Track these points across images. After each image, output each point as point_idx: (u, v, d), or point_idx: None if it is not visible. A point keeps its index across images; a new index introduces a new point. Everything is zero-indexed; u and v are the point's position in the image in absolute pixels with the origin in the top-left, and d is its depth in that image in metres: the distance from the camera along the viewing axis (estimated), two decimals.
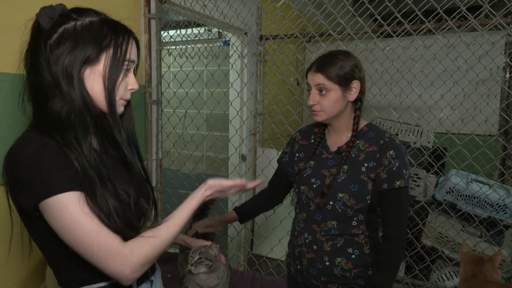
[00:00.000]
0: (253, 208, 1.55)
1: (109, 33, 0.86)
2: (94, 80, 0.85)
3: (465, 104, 2.33)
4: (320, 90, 1.21)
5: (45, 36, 0.84)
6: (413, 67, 2.32)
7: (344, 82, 1.20)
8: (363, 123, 1.29)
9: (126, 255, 0.81)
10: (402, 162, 1.19)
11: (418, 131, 2.76)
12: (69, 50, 0.83)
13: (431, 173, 2.58)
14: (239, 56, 2.64)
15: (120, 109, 0.92)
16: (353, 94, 1.23)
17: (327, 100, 1.21)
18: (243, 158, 2.76)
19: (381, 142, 1.22)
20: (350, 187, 1.21)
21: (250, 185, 1.09)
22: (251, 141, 2.78)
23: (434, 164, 2.24)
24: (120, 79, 0.87)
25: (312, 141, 1.37)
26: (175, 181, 2.61)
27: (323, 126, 1.36)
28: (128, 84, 0.91)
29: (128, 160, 0.96)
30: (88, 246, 0.79)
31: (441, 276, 2.39)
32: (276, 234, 2.30)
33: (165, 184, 2.36)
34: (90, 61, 0.84)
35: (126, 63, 0.88)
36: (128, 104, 0.95)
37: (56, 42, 0.83)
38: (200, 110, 2.84)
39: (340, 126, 1.28)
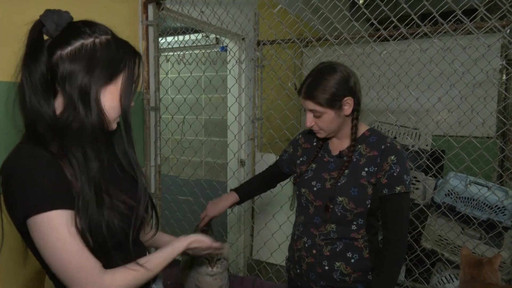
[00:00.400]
0: (251, 189, 1.62)
1: (125, 55, 0.88)
2: (108, 99, 0.86)
3: (462, 106, 2.34)
4: (314, 114, 1.23)
5: (52, 42, 0.83)
6: (410, 70, 2.34)
7: (334, 103, 1.20)
8: (364, 128, 1.30)
9: (107, 283, 0.81)
10: (403, 168, 1.19)
11: (416, 134, 2.77)
12: (88, 70, 0.82)
13: (430, 176, 2.59)
14: (236, 62, 2.65)
15: (115, 125, 0.93)
16: (347, 109, 1.22)
17: (322, 122, 1.23)
18: (241, 163, 2.76)
19: (382, 147, 1.22)
20: (350, 191, 1.21)
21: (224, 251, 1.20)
22: (250, 146, 2.78)
23: (432, 167, 2.24)
24: (132, 98, 0.91)
25: (315, 144, 1.38)
26: (174, 187, 2.60)
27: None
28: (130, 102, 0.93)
29: (126, 170, 0.99)
30: (69, 268, 0.78)
31: (441, 279, 2.38)
32: (276, 239, 2.29)
33: (164, 190, 2.35)
34: (107, 82, 0.85)
35: (135, 84, 0.91)
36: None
37: (72, 57, 0.82)
38: (198, 116, 2.84)
39: (341, 135, 1.30)
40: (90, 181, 0.83)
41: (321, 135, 1.28)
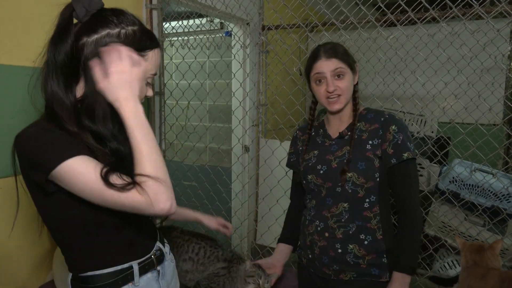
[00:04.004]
0: (293, 229, 1.48)
1: (147, 45, 0.90)
2: None
3: (469, 93, 2.31)
4: (337, 75, 1.23)
5: (80, 27, 0.86)
6: (417, 56, 2.30)
7: (352, 65, 1.26)
8: (361, 108, 1.32)
9: (155, 182, 0.79)
10: (405, 135, 1.22)
11: (421, 121, 2.75)
12: None
13: (434, 163, 2.58)
14: (241, 47, 2.63)
15: None
16: (356, 76, 1.29)
17: (344, 82, 1.23)
18: (246, 149, 2.76)
19: (382, 119, 1.25)
20: (358, 165, 1.22)
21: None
22: (254, 132, 2.78)
23: (437, 153, 2.23)
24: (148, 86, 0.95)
25: (313, 134, 1.38)
26: (179, 173, 2.62)
27: (313, 110, 1.39)
28: (147, 91, 0.96)
29: None
30: (116, 200, 0.78)
31: (444, 265, 2.40)
32: (280, 224, 2.30)
33: (169, 175, 2.36)
34: None
35: (153, 75, 0.95)
36: None
37: (96, 43, 0.85)
38: (203, 101, 2.83)
39: (345, 113, 1.30)
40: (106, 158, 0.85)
41: (341, 103, 1.24)
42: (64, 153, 0.78)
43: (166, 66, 2.28)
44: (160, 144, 2.18)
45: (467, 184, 2.27)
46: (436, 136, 2.72)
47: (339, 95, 1.24)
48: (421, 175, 2.60)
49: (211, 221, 1.44)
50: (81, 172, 0.78)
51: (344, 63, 1.24)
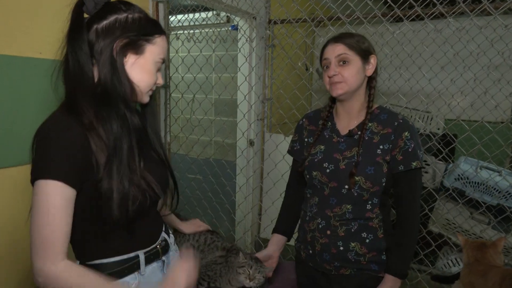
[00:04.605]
0: (289, 220, 1.48)
1: (154, 30, 0.95)
2: (138, 72, 0.93)
3: (477, 89, 2.29)
4: (341, 61, 1.21)
5: (90, 19, 0.90)
6: (424, 51, 2.28)
7: (364, 54, 1.22)
8: (374, 106, 1.28)
9: (53, 271, 0.82)
10: (417, 143, 1.20)
11: (427, 117, 2.73)
12: (119, 42, 0.89)
13: (439, 160, 2.56)
14: (247, 41, 2.62)
15: (147, 99, 0.99)
16: (371, 68, 1.24)
17: (349, 70, 1.20)
18: (250, 143, 2.77)
19: (395, 124, 1.22)
20: (366, 169, 1.20)
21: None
22: (259, 126, 2.78)
23: (443, 150, 2.21)
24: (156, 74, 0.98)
25: (320, 125, 1.36)
26: (183, 165, 2.64)
27: (330, 108, 1.35)
28: (157, 78, 0.99)
29: (153, 148, 1.04)
30: (38, 234, 0.82)
31: (447, 263, 2.39)
32: (276, 208, 2.29)
33: (173, 168, 2.38)
34: (136, 51, 0.92)
35: (162, 60, 0.98)
36: (151, 96, 1.03)
37: (106, 30, 0.89)
38: (208, 95, 2.84)
39: (352, 106, 1.27)
40: (116, 147, 0.88)
41: (341, 89, 1.21)
42: (49, 171, 0.82)
43: (172, 59, 2.28)
44: (165, 137, 2.20)
45: (472, 182, 2.26)
46: (442, 133, 2.70)
47: (340, 82, 1.21)
48: (426, 172, 2.59)
49: (189, 227, 1.49)
50: (44, 197, 0.82)
51: (352, 50, 1.20)
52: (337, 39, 1.24)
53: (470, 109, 2.38)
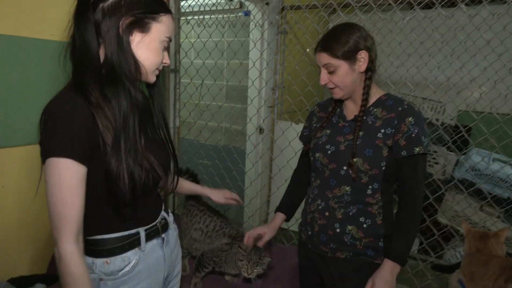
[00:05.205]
0: (293, 201, 1.52)
1: (160, 9, 0.94)
2: (144, 50, 0.93)
3: (492, 80, 2.23)
4: (328, 69, 1.22)
5: None
6: (437, 40, 2.23)
7: (349, 56, 1.20)
8: (380, 93, 1.28)
9: (64, 248, 0.85)
10: (421, 129, 1.18)
11: (440, 107, 2.68)
12: (125, 20, 0.89)
13: (451, 151, 2.52)
14: (255, 25, 2.60)
15: (153, 78, 1.00)
16: (362, 64, 1.22)
17: (336, 77, 1.22)
18: (260, 130, 2.77)
19: (400, 109, 1.21)
20: (365, 151, 1.20)
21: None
22: (269, 113, 2.78)
23: (455, 142, 2.17)
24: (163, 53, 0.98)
25: (330, 111, 1.37)
26: (191, 150, 2.66)
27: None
28: (164, 58, 0.99)
29: (157, 129, 1.05)
30: (54, 211, 0.85)
31: (455, 255, 2.37)
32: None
33: (181, 152, 2.41)
34: (142, 30, 0.92)
35: (168, 38, 0.97)
36: (158, 76, 1.03)
37: (112, 8, 0.89)
38: (218, 81, 2.84)
39: (355, 97, 1.28)
40: (123, 126, 0.90)
41: (338, 94, 1.26)
42: (59, 149, 0.84)
43: (182, 43, 2.28)
44: (174, 121, 2.22)
45: (483, 174, 2.22)
46: (455, 124, 2.65)
47: (334, 87, 1.24)
48: (436, 163, 2.55)
49: (218, 196, 1.48)
50: (57, 175, 0.84)
51: (334, 57, 1.20)
52: (320, 47, 1.23)
53: (484, 100, 2.31)
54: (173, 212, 2.35)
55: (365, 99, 1.24)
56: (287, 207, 1.50)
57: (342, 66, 1.20)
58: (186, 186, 1.42)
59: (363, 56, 1.21)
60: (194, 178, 1.78)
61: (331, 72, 1.22)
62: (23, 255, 1.75)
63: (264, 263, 1.46)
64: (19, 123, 1.60)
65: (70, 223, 0.85)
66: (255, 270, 1.44)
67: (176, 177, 1.15)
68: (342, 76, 1.21)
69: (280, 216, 1.48)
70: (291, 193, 1.53)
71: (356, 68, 1.21)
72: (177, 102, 2.23)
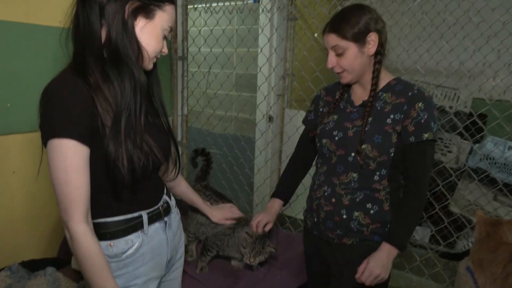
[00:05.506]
0: (290, 186, 1.51)
1: None
2: (146, 36, 0.94)
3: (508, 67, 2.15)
4: (336, 51, 1.18)
5: None
6: (454, 25, 2.16)
7: (359, 37, 1.16)
8: (390, 77, 1.25)
9: (75, 228, 0.86)
10: (431, 115, 1.15)
11: (454, 95, 2.61)
12: (130, 4, 0.90)
13: (465, 139, 2.46)
14: (263, 11, 2.55)
15: (151, 65, 1.00)
16: (371, 47, 1.18)
17: (345, 59, 1.18)
18: (269, 119, 2.75)
19: (409, 94, 1.18)
20: (374, 138, 1.18)
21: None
22: (278, 102, 2.75)
23: (469, 130, 2.11)
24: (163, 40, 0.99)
25: (337, 97, 1.34)
26: (199, 137, 2.66)
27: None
28: (163, 46, 1.00)
29: (158, 115, 1.06)
30: (61, 193, 0.86)
31: (468, 244, 2.32)
32: (297, 194, 2.29)
33: (190, 140, 2.41)
34: (146, 16, 0.93)
35: (169, 28, 0.99)
36: (155, 64, 1.04)
37: None
38: (227, 69, 2.81)
39: (364, 81, 1.24)
40: (125, 108, 0.90)
41: (346, 78, 1.22)
42: (62, 130, 0.84)
43: (190, 30, 2.26)
44: (181, 109, 2.22)
45: (498, 163, 2.16)
46: (470, 112, 2.58)
47: (342, 71, 1.20)
48: (449, 152, 2.50)
49: (218, 217, 1.52)
50: (61, 156, 0.85)
51: (343, 38, 1.15)
52: (329, 28, 1.19)
53: (500, 86, 2.23)
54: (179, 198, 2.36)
55: (375, 84, 1.20)
56: (284, 192, 1.49)
57: (351, 48, 1.16)
58: (190, 195, 1.42)
59: (372, 39, 1.16)
60: (207, 160, 1.78)
61: (339, 55, 1.18)
62: (34, 239, 1.79)
63: (267, 252, 1.47)
64: (28, 109, 1.62)
65: (78, 204, 0.86)
66: (257, 258, 1.44)
67: (178, 164, 1.16)
68: (350, 58, 1.17)
69: (278, 202, 1.47)
70: (288, 178, 1.51)
71: (365, 51, 1.17)
72: (185, 89, 2.22)
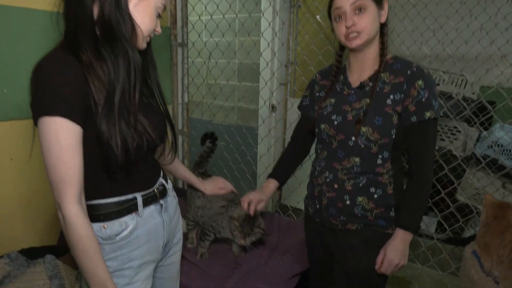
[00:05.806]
0: (287, 170, 1.49)
1: None
2: (140, 14, 0.92)
3: None
4: (357, 9, 1.12)
5: None
6: (461, 8, 2.10)
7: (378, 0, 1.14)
8: (387, 56, 1.20)
9: (68, 210, 0.85)
10: (431, 93, 1.11)
11: (462, 81, 2.54)
12: None
13: (471, 126, 2.40)
14: (269, 2, 2.52)
15: (144, 44, 0.98)
16: (384, 15, 1.16)
17: (365, 18, 1.12)
18: (272, 108, 2.71)
19: (408, 72, 1.13)
20: (374, 120, 1.14)
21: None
22: (282, 91, 2.71)
23: (476, 117, 2.05)
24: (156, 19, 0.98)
25: (332, 78, 1.29)
26: (200, 125, 2.64)
27: (338, 57, 1.28)
28: (157, 25, 0.98)
29: (153, 96, 1.05)
30: (55, 173, 0.84)
31: (475, 233, 2.27)
32: (297, 178, 2.25)
33: (191, 127, 2.38)
34: None
35: (163, 6, 0.97)
36: (149, 43, 1.01)
37: None
38: (229, 57, 2.78)
39: (367, 56, 1.19)
40: (118, 86, 0.88)
41: (361, 39, 1.14)
42: (53, 107, 0.82)
43: (190, 15, 2.22)
44: (182, 97, 2.19)
45: (507, 150, 2.10)
46: (477, 99, 2.51)
47: (358, 32, 1.13)
48: (456, 139, 2.44)
49: (210, 187, 1.53)
50: (54, 135, 0.82)
51: None
52: None
53: (510, 73, 2.17)
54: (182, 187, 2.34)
55: (382, 55, 1.17)
56: (281, 174, 1.46)
57: (372, 7, 1.12)
58: (181, 170, 1.40)
59: (385, 7, 1.15)
60: (213, 145, 1.76)
61: (358, 13, 1.11)
62: (34, 227, 1.78)
63: (257, 234, 1.44)
64: (25, 95, 1.59)
65: (72, 185, 0.84)
66: (247, 239, 1.43)
67: (174, 147, 1.14)
68: (370, 18, 1.12)
69: (274, 182, 1.45)
70: (286, 161, 1.49)
71: (380, 16, 1.15)
72: (185, 77, 2.19)
